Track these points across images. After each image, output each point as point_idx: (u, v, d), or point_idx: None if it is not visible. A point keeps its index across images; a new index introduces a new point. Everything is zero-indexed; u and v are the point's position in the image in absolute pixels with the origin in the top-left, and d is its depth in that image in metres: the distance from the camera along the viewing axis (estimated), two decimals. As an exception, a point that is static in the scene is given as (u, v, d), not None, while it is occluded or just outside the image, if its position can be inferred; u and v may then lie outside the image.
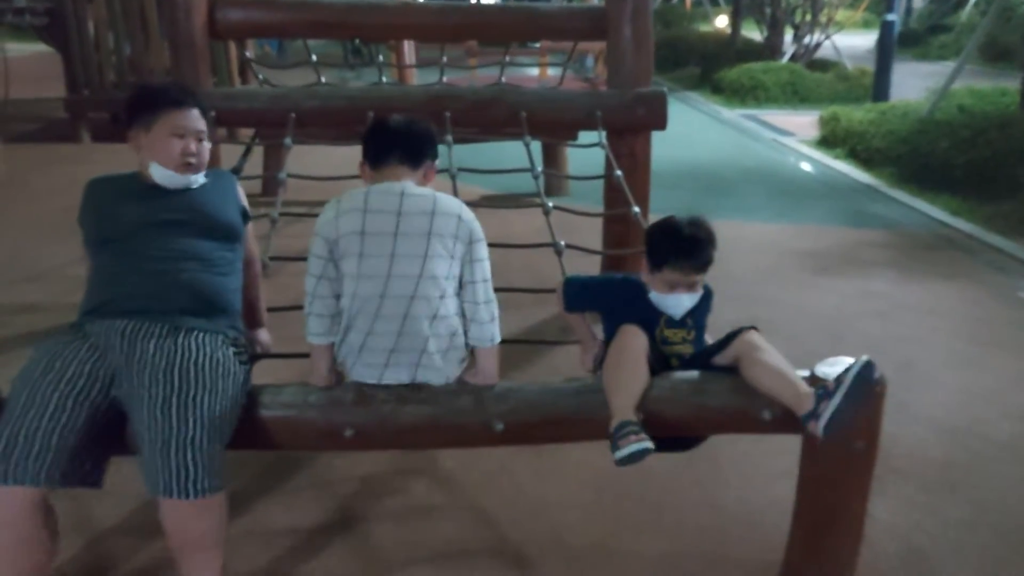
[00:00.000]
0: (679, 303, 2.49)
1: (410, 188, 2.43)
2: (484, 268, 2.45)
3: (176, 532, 2.13)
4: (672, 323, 2.49)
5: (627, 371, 2.33)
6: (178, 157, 2.49)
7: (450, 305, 2.38)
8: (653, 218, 3.88)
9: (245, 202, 2.77)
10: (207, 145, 2.59)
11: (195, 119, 2.55)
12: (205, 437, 2.10)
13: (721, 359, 2.44)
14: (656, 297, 2.49)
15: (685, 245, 2.46)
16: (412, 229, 2.35)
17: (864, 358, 2.21)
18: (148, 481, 2.08)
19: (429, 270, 2.33)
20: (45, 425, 2.07)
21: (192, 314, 2.36)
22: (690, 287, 2.48)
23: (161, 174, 2.50)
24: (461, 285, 2.43)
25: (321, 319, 2.37)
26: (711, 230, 2.51)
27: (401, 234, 2.34)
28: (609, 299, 2.61)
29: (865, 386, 2.18)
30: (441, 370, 2.39)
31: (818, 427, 2.18)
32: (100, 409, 2.18)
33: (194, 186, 2.56)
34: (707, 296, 2.58)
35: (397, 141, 2.53)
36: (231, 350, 2.35)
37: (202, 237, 2.50)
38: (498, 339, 2.45)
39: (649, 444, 2.15)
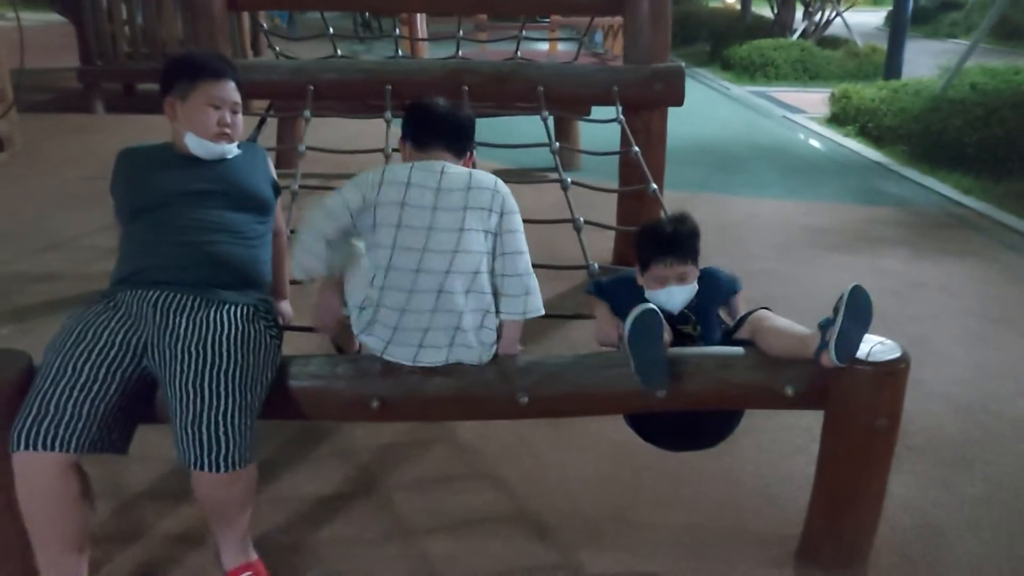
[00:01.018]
0: (671, 297, 2.53)
1: (450, 167, 2.47)
2: (517, 240, 2.47)
3: (206, 501, 2.19)
4: (673, 319, 2.53)
5: None
6: (214, 127, 2.50)
7: (484, 281, 2.40)
8: (667, 194, 3.90)
9: (275, 175, 2.78)
10: (241, 117, 2.60)
11: (232, 91, 2.54)
12: (236, 411, 2.13)
13: (738, 335, 2.53)
14: (650, 295, 2.53)
15: (664, 240, 2.52)
16: (450, 204, 2.38)
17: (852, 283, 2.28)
18: (179, 452, 2.11)
19: (465, 244, 2.36)
20: (77, 395, 2.10)
21: (223, 286, 2.38)
22: (680, 279, 2.52)
23: (196, 144, 2.50)
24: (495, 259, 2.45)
25: (312, 254, 2.41)
26: (693, 223, 2.56)
27: (440, 208, 2.37)
28: (616, 299, 2.64)
29: (862, 305, 2.23)
30: (475, 349, 2.39)
31: (830, 355, 2.23)
32: (131, 379, 2.20)
33: (228, 156, 2.57)
34: (713, 285, 2.62)
35: (442, 131, 2.59)
36: (262, 323, 2.37)
37: (235, 209, 2.52)
38: (532, 314, 2.44)
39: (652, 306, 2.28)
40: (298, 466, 3.00)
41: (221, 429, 2.09)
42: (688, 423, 2.61)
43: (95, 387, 2.12)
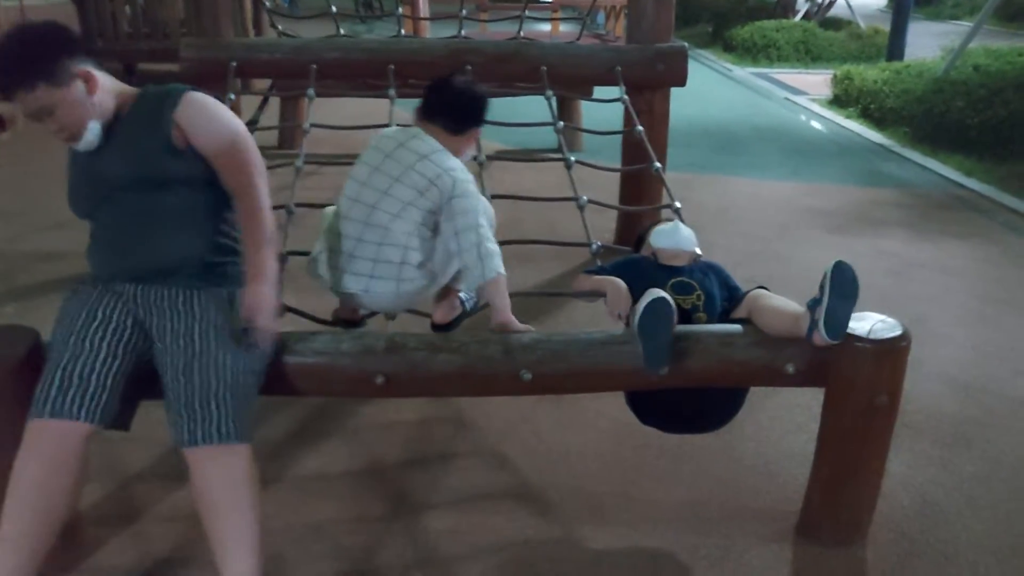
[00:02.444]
0: (676, 230, 2.79)
1: (419, 141, 2.71)
2: (466, 220, 2.61)
3: (203, 486, 2.08)
4: (680, 288, 2.55)
5: None
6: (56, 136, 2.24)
7: (393, 238, 2.61)
8: (669, 176, 3.91)
9: (206, 124, 2.26)
10: (70, 108, 2.17)
11: (29, 101, 2.14)
12: (228, 393, 2.11)
13: (736, 315, 2.57)
14: (656, 234, 2.78)
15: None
16: (387, 170, 2.65)
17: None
18: (175, 435, 2.10)
19: (383, 205, 2.62)
20: (99, 368, 2.10)
21: (182, 274, 2.27)
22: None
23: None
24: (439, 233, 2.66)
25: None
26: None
27: (378, 171, 2.67)
28: (623, 276, 2.66)
29: (846, 280, 2.25)
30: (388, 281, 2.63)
31: (821, 334, 2.25)
32: (144, 358, 2.22)
33: (92, 148, 2.25)
34: (720, 273, 2.69)
35: (437, 107, 2.80)
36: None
37: (140, 192, 2.26)
38: (491, 275, 2.59)
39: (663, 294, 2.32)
40: (302, 443, 3.03)
41: (212, 405, 2.08)
42: (690, 407, 2.64)
43: (115, 364, 2.13)
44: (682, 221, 3.26)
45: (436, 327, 2.88)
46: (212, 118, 2.27)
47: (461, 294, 2.90)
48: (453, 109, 2.80)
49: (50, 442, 2.05)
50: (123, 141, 2.25)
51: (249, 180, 2.27)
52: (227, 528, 2.09)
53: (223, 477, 2.09)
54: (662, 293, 2.32)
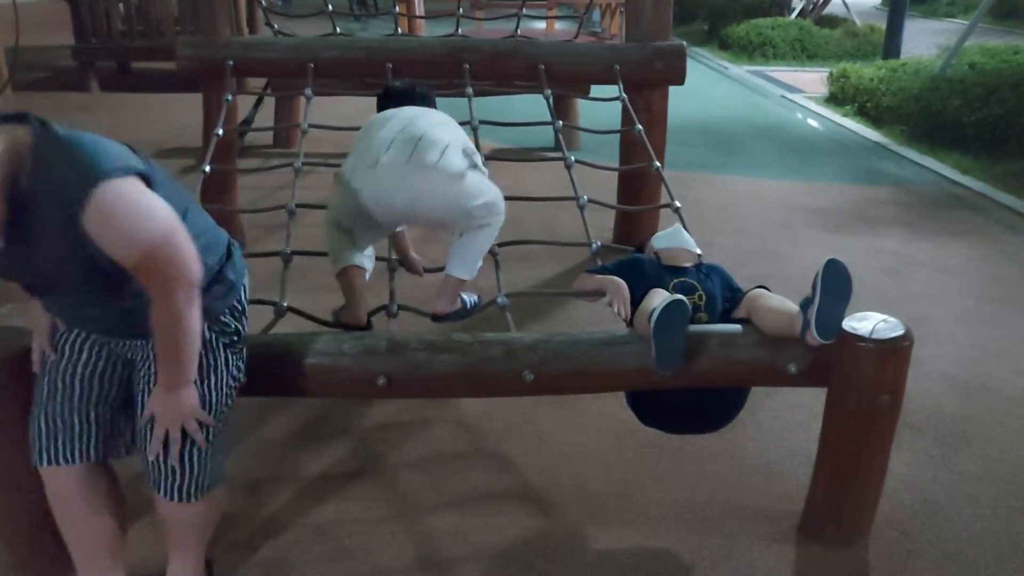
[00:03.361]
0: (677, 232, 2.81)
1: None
2: (494, 221, 2.79)
3: (166, 520, 2.15)
4: (682, 288, 2.55)
5: None
6: None
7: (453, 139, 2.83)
8: (666, 174, 3.90)
9: (111, 241, 1.78)
10: None
11: None
12: (189, 442, 2.03)
13: (736, 315, 2.57)
14: (656, 239, 2.79)
15: None
16: (431, 117, 2.92)
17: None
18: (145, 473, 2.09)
19: (441, 129, 2.84)
20: (78, 405, 2.05)
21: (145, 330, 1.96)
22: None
23: None
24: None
25: None
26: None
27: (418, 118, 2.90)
28: (625, 276, 2.65)
29: (838, 279, 2.25)
30: None
31: (813, 334, 2.24)
32: (127, 382, 2.12)
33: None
34: (722, 275, 2.69)
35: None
36: (213, 335, 2.08)
37: (75, 278, 1.89)
38: (472, 275, 2.83)
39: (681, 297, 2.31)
40: (304, 444, 3.02)
41: (177, 460, 2.03)
42: (691, 408, 2.64)
43: (91, 395, 2.06)
44: (682, 221, 3.26)
45: (436, 318, 2.88)
46: (118, 234, 1.77)
47: (463, 295, 2.90)
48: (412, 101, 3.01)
49: (61, 486, 2.07)
50: (37, 240, 1.79)
51: (159, 291, 1.88)
52: (178, 553, 2.22)
53: (186, 521, 2.16)
54: (669, 295, 2.31)
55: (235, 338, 2.14)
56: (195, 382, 2.01)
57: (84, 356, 2.08)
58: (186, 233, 1.89)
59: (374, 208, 2.69)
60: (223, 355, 2.10)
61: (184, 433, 2.01)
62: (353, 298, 2.78)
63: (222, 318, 2.10)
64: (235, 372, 2.14)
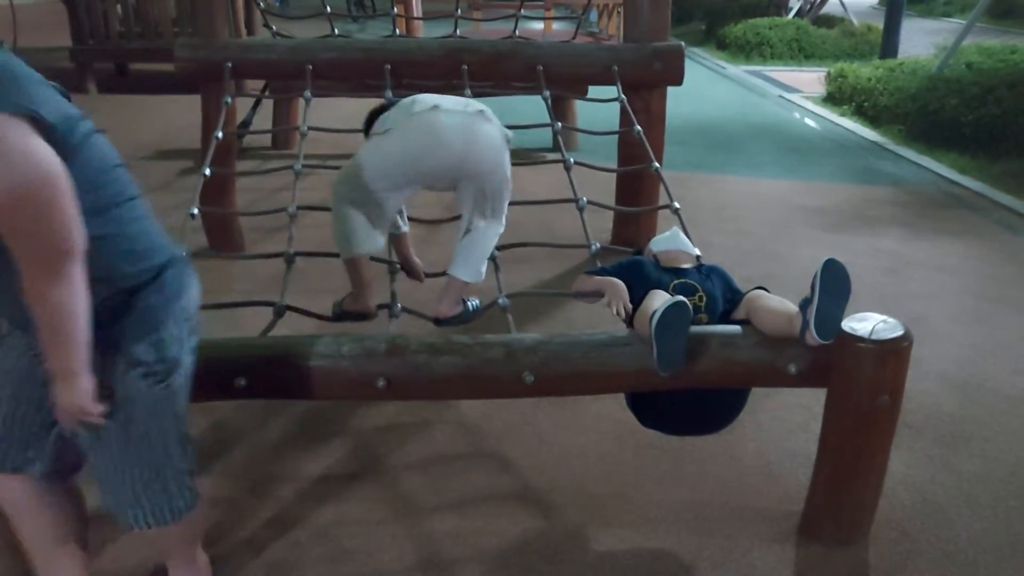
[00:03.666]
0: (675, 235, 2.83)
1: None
2: (499, 215, 2.91)
3: (149, 537, 2.11)
4: (682, 289, 2.55)
5: None
6: None
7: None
8: (664, 175, 3.90)
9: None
10: None
11: None
12: (148, 472, 1.94)
13: (735, 316, 2.57)
14: (655, 241, 2.82)
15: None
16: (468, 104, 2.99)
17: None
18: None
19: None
20: (15, 414, 1.93)
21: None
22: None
23: None
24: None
25: None
26: None
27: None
28: (625, 278, 2.65)
29: (836, 279, 2.25)
30: None
31: (812, 334, 2.24)
32: None
33: None
34: (722, 276, 2.69)
35: None
36: (137, 374, 1.85)
37: None
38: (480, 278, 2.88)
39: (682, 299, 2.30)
40: (304, 445, 3.02)
41: (129, 493, 1.94)
42: (691, 409, 2.64)
43: (18, 409, 1.92)
44: (682, 221, 3.26)
45: (439, 322, 2.88)
46: None
47: (465, 299, 2.91)
48: None
49: (10, 492, 2.01)
50: None
51: (26, 256, 1.58)
52: (170, 564, 2.25)
53: (158, 541, 2.18)
54: (670, 296, 2.31)
55: (159, 375, 1.87)
56: (129, 422, 1.83)
57: (9, 365, 1.91)
58: (71, 194, 1.57)
59: (424, 151, 2.68)
60: (139, 386, 1.84)
61: (141, 466, 1.89)
62: (361, 286, 2.79)
63: (134, 350, 1.82)
64: (180, 400, 1.96)
